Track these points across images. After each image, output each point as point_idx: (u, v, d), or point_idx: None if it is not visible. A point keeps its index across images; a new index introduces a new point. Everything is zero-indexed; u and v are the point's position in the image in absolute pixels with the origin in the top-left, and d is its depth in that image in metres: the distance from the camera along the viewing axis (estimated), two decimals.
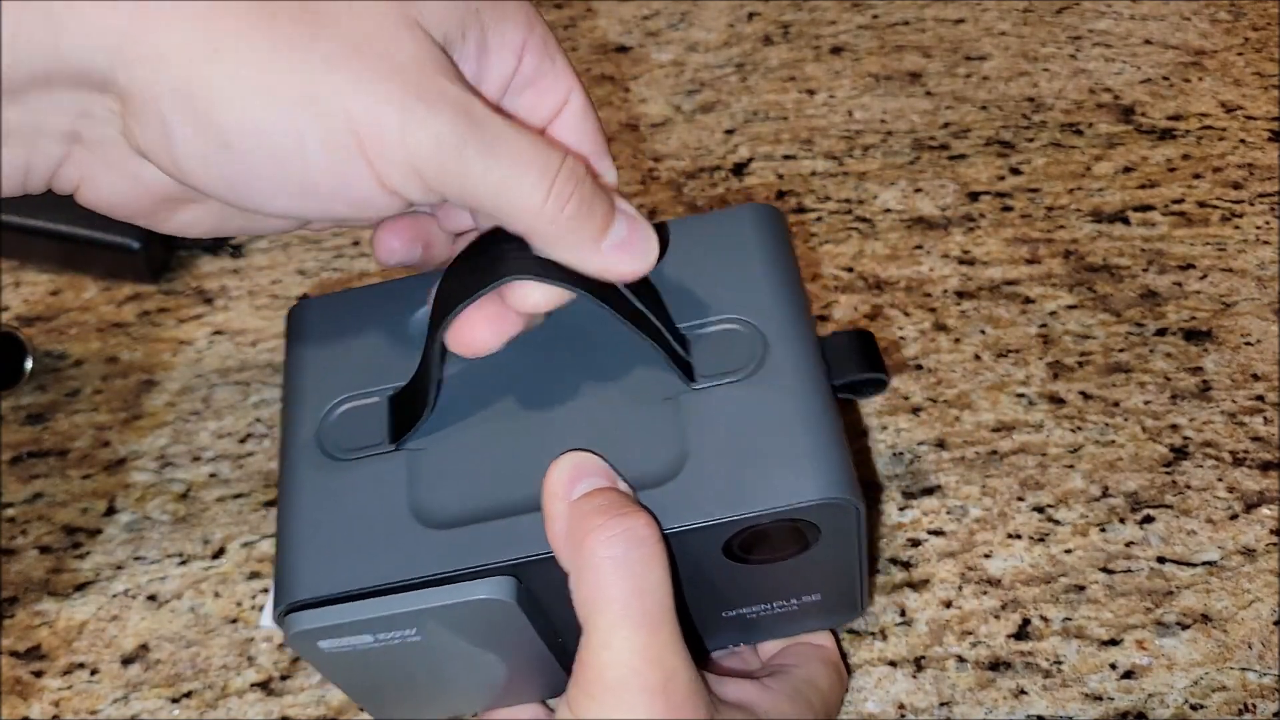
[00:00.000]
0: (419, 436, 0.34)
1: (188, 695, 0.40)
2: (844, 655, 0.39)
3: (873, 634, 0.40)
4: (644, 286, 0.34)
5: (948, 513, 0.44)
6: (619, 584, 0.30)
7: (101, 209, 0.33)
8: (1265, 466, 0.45)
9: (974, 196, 0.58)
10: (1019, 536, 0.43)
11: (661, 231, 0.35)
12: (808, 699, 0.36)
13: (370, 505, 0.34)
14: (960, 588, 0.41)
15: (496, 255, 0.32)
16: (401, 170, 0.30)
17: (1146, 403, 0.47)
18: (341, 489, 0.34)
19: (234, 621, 0.42)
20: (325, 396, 0.36)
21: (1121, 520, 0.43)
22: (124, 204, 0.32)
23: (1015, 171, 0.59)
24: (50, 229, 0.54)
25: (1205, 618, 0.40)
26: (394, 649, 0.33)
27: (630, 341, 0.34)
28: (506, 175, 0.30)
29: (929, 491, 0.45)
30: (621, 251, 0.33)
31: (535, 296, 0.32)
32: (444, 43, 0.31)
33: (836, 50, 0.69)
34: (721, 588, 0.34)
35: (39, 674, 0.41)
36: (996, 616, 0.41)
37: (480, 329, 0.33)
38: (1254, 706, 0.38)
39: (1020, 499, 0.44)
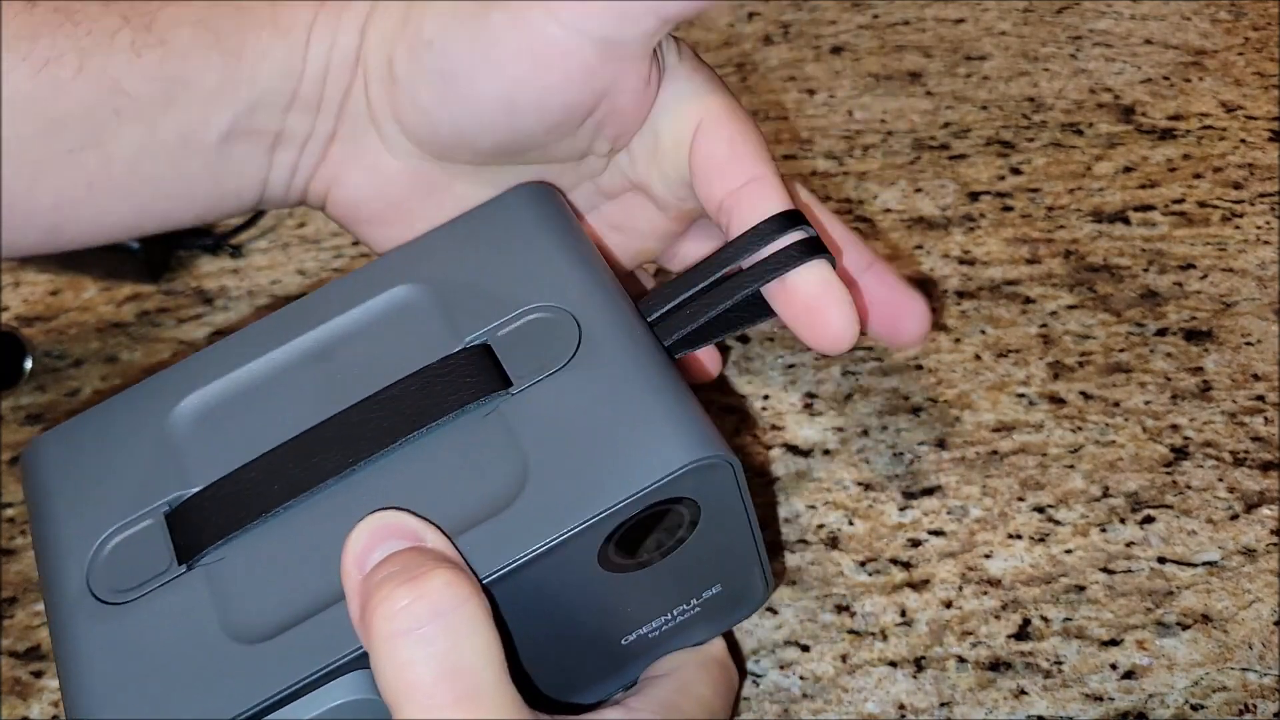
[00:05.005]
0: (213, 547, 0.29)
1: None
2: (736, 649, 0.37)
3: (873, 634, 0.40)
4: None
5: (948, 513, 0.44)
6: (418, 668, 0.25)
7: (346, 216, 0.38)
8: (1266, 466, 0.45)
9: (974, 196, 0.58)
10: (1019, 537, 0.43)
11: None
12: (682, 711, 0.31)
13: (173, 642, 0.27)
14: (960, 588, 0.41)
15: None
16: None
17: (1147, 403, 0.47)
18: (133, 636, 0.27)
19: None
20: (87, 537, 0.30)
21: (1122, 520, 0.43)
22: (365, 202, 0.37)
23: (1015, 171, 0.59)
24: None
25: (1206, 618, 0.40)
26: None
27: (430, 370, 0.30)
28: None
29: (929, 492, 0.45)
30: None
31: None
32: None
33: (836, 50, 0.69)
34: (612, 610, 0.30)
35: (38, 674, 0.41)
36: (997, 617, 0.41)
37: None
38: (1254, 707, 0.38)
39: (1020, 499, 0.44)
